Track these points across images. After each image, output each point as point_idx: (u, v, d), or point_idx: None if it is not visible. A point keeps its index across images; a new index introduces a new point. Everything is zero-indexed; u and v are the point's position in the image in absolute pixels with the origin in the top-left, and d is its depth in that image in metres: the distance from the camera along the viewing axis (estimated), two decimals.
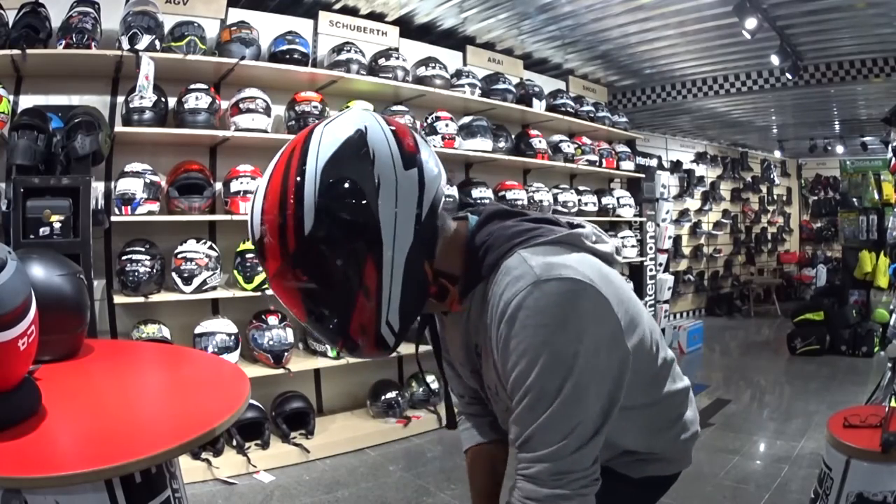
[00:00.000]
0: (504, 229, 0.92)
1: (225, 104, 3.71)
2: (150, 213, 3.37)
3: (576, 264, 0.87)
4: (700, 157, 9.32)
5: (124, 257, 3.33)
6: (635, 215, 6.42)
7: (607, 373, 0.86)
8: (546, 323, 0.81)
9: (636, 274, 6.62)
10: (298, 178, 0.81)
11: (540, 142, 5.21)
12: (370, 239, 0.81)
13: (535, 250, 0.88)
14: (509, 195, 4.93)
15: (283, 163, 0.84)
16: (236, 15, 3.88)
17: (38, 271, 1.60)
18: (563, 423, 0.83)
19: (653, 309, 6.86)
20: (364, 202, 0.81)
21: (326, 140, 0.83)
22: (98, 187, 3.38)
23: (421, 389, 4.19)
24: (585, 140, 5.89)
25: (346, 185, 0.80)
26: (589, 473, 0.87)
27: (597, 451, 0.88)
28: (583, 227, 1.01)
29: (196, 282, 3.44)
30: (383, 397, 4.01)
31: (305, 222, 0.81)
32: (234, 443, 3.38)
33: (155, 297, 3.36)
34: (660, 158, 7.96)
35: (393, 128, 0.88)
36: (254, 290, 3.58)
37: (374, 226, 0.81)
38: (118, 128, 3.34)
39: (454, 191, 4.48)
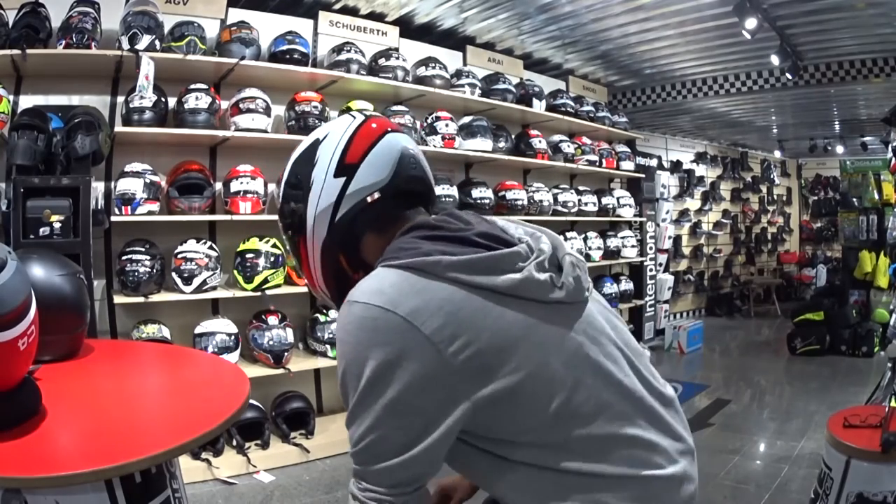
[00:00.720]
0: (398, 243, 0.95)
1: (225, 104, 3.71)
2: (150, 213, 3.37)
3: (393, 291, 0.85)
4: (700, 157, 9.32)
5: (124, 257, 3.33)
6: (635, 215, 6.42)
7: (397, 399, 0.83)
8: (344, 339, 0.87)
9: (636, 274, 6.63)
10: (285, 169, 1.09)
11: (540, 142, 5.21)
12: (299, 225, 1.04)
13: (380, 272, 0.90)
14: (509, 195, 4.94)
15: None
16: (236, 15, 3.88)
17: (38, 271, 1.61)
18: (354, 432, 0.86)
19: (653, 309, 6.86)
20: (299, 196, 1.03)
21: (302, 143, 1.08)
22: (98, 187, 3.38)
23: None
24: (585, 140, 5.89)
25: (293, 181, 1.05)
26: (383, 495, 0.84)
27: (400, 477, 0.84)
28: (491, 251, 0.90)
29: (196, 282, 3.44)
30: None
31: (278, 199, 1.11)
32: (234, 443, 3.38)
33: (155, 297, 3.36)
34: (660, 158, 7.97)
35: (349, 137, 1.02)
36: (254, 290, 3.58)
37: (301, 216, 1.03)
38: (118, 128, 3.34)
39: (454, 191, 4.48)
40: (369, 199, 0.99)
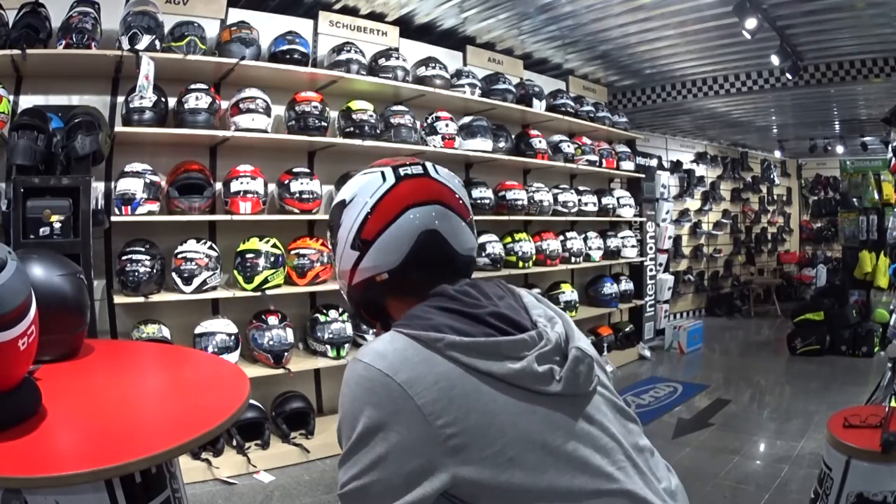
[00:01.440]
0: (415, 310, 0.97)
1: (225, 104, 3.71)
2: (150, 213, 3.37)
3: (395, 358, 0.89)
4: (700, 157, 9.32)
5: (124, 257, 3.32)
6: (635, 215, 6.42)
7: (383, 456, 0.86)
8: (344, 392, 0.93)
9: (636, 274, 6.63)
10: None
11: (540, 142, 5.21)
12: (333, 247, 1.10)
13: (390, 336, 0.93)
14: (509, 195, 4.94)
15: None
16: (236, 15, 3.88)
17: (38, 271, 1.61)
18: (342, 476, 0.91)
19: (653, 309, 6.87)
20: (332, 242, 1.09)
21: (339, 193, 1.08)
22: (98, 187, 3.38)
23: None
24: (585, 140, 5.89)
25: (329, 224, 1.10)
26: None
27: None
28: (502, 333, 0.92)
29: (196, 282, 3.43)
30: None
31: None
32: (234, 443, 3.38)
33: (155, 297, 3.36)
34: (660, 158, 7.96)
35: (371, 207, 1.01)
36: (254, 290, 3.58)
37: (335, 247, 1.08)
38: (118, 128, 3.34)
39: None
40: (377, 279, 1.02)
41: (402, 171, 1.02)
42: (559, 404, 0.91)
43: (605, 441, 0.92)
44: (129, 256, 3.32)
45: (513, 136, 5.17)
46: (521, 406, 0.88)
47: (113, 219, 3.31)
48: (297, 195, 3.76)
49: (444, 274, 1.02)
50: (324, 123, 3.89)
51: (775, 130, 9.19)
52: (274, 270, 3.63)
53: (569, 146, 5.53)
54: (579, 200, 5.60)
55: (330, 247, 1.11)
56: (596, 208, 5.79)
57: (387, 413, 0.86)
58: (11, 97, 3.16)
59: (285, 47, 3.82)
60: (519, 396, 0.88)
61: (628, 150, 6.39)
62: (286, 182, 3.80)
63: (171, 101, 3.55)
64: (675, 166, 8.73)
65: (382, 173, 1.03)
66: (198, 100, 3.50)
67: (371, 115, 4.09)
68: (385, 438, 0.86)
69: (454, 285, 1.00)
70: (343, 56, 4.06)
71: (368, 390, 0.88)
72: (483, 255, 4.67)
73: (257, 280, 3.58)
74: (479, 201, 4.66)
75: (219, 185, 3.73)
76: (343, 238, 1.03)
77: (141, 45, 3.24)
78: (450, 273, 1.03)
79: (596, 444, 0.91)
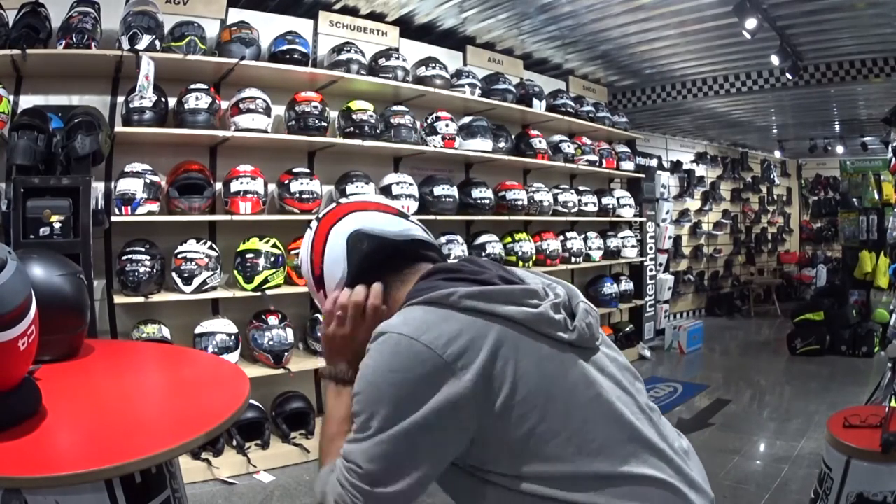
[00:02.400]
0: (417, 288, 1.00)
1: (225, 104, 3.71)
2: (150, 213, 3.37)
3: (416, 323, 0.90)
4: (700, 157, 9.31)
5: (124, 257, 3.32)
6: (635, 215, 6.42)
7: (414, 421, 0.87)
8: (366, 363, 0.91)
9: (636, 274, 6.63)
10: None
11: (540, 142, 5.21)
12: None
13: (404, 310, 0.96)
14: (509, 195, 4.93)
15: None
16: (236, 15, 3.88)
17: (38, 271, 1.61)
18: (368, 447, 0.89)
19: (653, 309, 6.87)
20: (316, 297, 1.15)
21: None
22: (98, 187, 3.38)
23: None
24: (585, 140, 5.89)
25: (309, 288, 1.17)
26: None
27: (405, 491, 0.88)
28: (490, 286, 0.95)
29: (196, 282, 3.43)
30: None
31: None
32: (234, 443, 3.38)
33: (155, 297, 3.36)
34: (660, 158, 7.97)
35: (309, 254, 1.11)
36: (254, 290, 3.58)
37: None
38: (118, 128, 3.34)
39: (454, 191, 4.48)
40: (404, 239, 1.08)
41: (319, 214, 1.13)
42: (574, 353, 0.94)
43: (619, 393, 0.95)
44: (129, 256, 3.32)
45: (513, 136, 5.17)
46: (542, 351, 0.91)
47: (113, 219, 3.31)
48: (297, 195, 3.76)
49: (397, 265, 1.07)
50: (324, 123, 3.89)
51: (775, 130, 9.18)
52: (274, 270, 3.63)
53: (569, 146, 5.53)
54: (579, 200, 5.60)
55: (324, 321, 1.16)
56: (596, 208, 5.79)
57: (416, 376, 0.87)
58: (11, 97, 3.16)
59: (285, 47, 3.82)
60: (539, 342, 0.92)
61: (628, 150, 6.39)
62: (286, 182, 3.80)
63: (171, 101, 3.55)
64: (675, 166, 8.73)
65: (309, 225, 1.13)
66: (198, 100, 3.50)
67: (371, 116, 4.09)
68: (416, 402, 0.86)
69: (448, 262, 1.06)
70: (343, 56, 4.06)
71: (393, 355, 0.88)
72: (483, 255, 4.67)
73: (257, 280, 3.58)
74: (479, 201, 4.66)
75: (219, 185, 3.73)
76: (313, 291, 1.12)
77: (141, 45, 3.24)
78: (403, 259, 1.08)
79: (613, 394, 0.94)
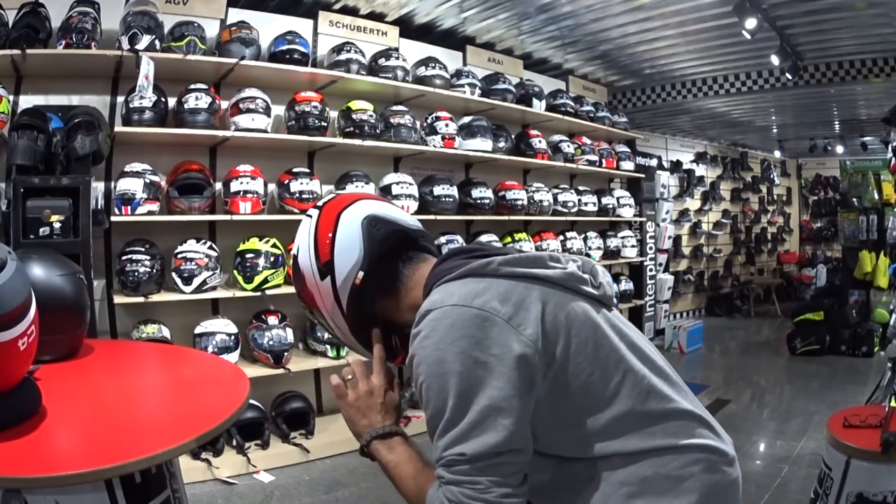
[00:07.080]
0: (438, 272, 1.01)
1: (225, 104, 3.71)
2: (150, 213, 3.37)
3: (462, 293, 0.91)
4: (700, 157, 9.31)
5: (124, 257, 3.32)
6: (635, 215, 6.42)
7: (496, 383, 0.87)
8: (423, 344, 0.91)
9: (636, 274, 6.62)
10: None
11: (540, 142, 5.21)
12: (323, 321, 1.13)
13: (439, 289, 0.96)
14: (509, 195, 4.93)
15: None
16: (236, 15, 3.88)
17: (38, 271, 1.60)
18: (460, 430, 0.89)
19: (653, 309, 6.86)
20: (312, 309, 1.12)
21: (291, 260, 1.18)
22: (98, 187, 3.38)
23: None
24: (585, 140, 5.89)
25: (299, 294, 1.14)
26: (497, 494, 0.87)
27: (509, 467, 0.88)
28: (517, 252, 1.01)
29: (196, 282, 3.43)
30: None
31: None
32: (234, 443, 3.38)
33: (155, 297, 3.36)
34: (660, 158, 7.97)
35: (313, 240, 1.07)
36: (254, 290, 3.58)
37: (323, 321, 1.12)
38: (118, 128, 3.34)
39: (454, 191, 4.48)
40: (357, 282, 1.05)
41: (319, 203, 1.12)
42: (602, 307, 1.00)
43: (645, 342, 1.03)
44: (129, 256, 3.32)
45: (513, 136, 5.17)
46: (580, 305, 0.96)
47: (113, 219, 3.31)
48: (297, 195, 3.76)
49: (410, 255, 1.08)
50: (324, 123, 3.89)
51: (775, 130, 9.19)
52: (274, 270, 3.63)
53: (569, 146, 5.53)
54: (579, 200, 5.60)
55: (313, 317, 1.13)
56: (596, 208, 5.79)
57: (480, 338, 0.88)
58: (11, 97, 3.16)
59: (285, 47, 3.82)
60: (575, 297, 0.97)
61: (628, 150, 6.39)
62: (286, 182, 3.80)
63: (171, 101, 3.55)
64: (675, 166, 8.73)
65: (308, 213, 1.12)
66: (198, 100, 3.50)
67: (371, 115, 4.09)
68: (489, 365, 0.87)
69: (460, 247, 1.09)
70: (343, 56, 4.06)
71: (450, 327, 0.89)
72: None
73: (257, 280, 3.58)
74: (479, 201, 4.66)
75: (219, 185, 3.73)
76: (312, 282, 1.08)
77: (141, 45, 3.24)
78: (415, 250, 1.09)
79: (641, 341, 1.02)
